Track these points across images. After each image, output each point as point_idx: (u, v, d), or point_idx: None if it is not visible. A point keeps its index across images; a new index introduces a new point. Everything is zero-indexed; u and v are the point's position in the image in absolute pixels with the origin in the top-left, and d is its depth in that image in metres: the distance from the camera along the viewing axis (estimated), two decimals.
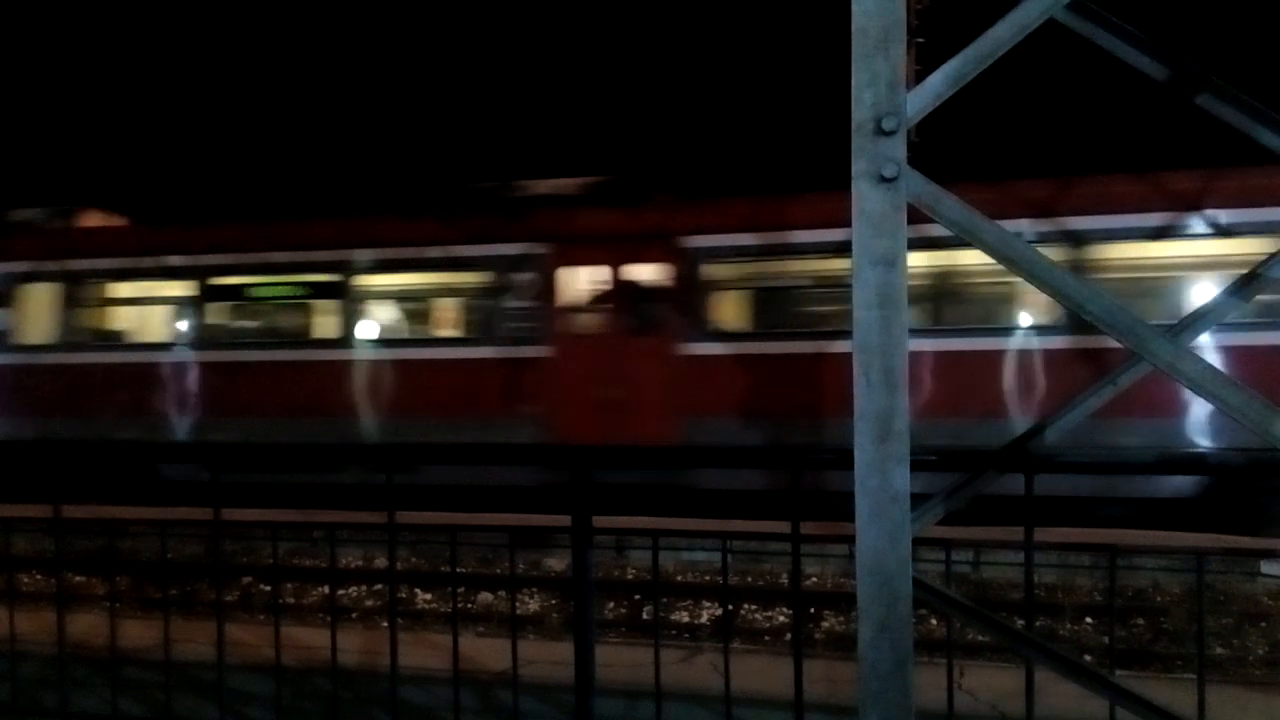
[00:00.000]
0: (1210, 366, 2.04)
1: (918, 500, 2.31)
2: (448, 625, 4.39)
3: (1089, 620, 7.79)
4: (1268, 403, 1.99)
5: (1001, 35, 2.03)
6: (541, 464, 9.21)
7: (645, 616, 8.13)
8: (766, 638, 7.67)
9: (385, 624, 6.60)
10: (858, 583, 2.16)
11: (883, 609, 2.13)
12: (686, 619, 8.17)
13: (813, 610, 8.08)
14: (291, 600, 8.69)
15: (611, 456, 4.59)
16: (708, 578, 8.95)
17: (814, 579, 8.95)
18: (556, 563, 9.41)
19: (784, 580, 8.85)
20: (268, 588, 8.68)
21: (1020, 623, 3.90)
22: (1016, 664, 3.95)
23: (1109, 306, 2.02)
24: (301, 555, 10.02)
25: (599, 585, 8.49)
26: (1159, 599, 8.14)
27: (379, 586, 8.90)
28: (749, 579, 9.00)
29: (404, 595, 8.61)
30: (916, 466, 2.18)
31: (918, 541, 2.32)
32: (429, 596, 8.78)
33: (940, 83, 2.09)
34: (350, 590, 9.00)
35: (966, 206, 2.07)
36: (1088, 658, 6.81)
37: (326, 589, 8.85)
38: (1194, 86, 2.63)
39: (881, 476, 2.14)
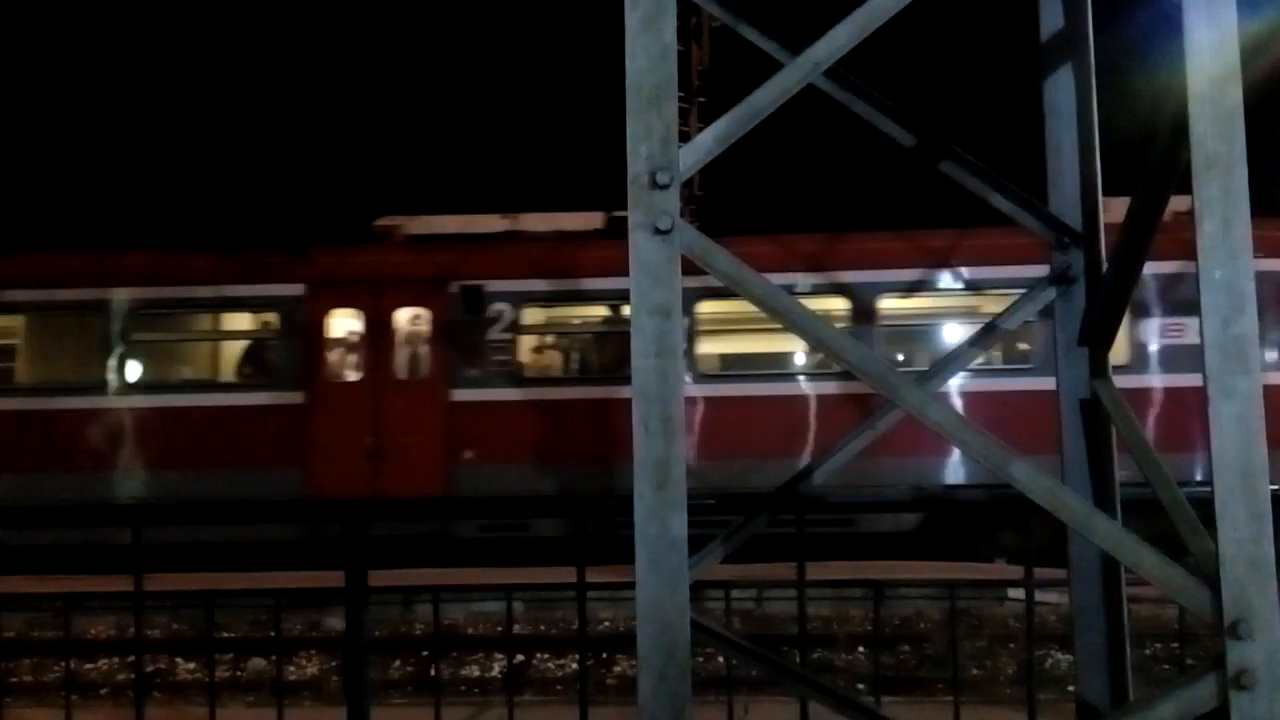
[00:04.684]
0: (954, 412, 2.20)
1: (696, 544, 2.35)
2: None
3: (861, 650, 8.22)
4: (1004, 446, 2.18)
5: (764, 99, 2.14)
6: (312, 520, 8.70)
7: (434, 673, 7.84)
8: (558, 687, 7.58)
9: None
10: (638, 631, 2.16)
11: (662, 657, 2.13)
12: (478, 673, 7.95)
13: (604, 655, 8.07)
14: (29, 679, 7.74)
15: (386, 509, 4.42)
16: (499, 629, 8.76)
17: (607, 623, 8.96)
18: (338, 622, 8.92)
19: (575, 627, 8.80)
20: None
21: (797, 656, 4.05)
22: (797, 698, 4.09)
23: (864, 355, 2.15)
24: (43, 627, 8.96)
25: (382, 643, 8.12)
26: (922, 625, 8.72)
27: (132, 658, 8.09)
28: (542, 627, 8.89)
29: (163, 666, 7.88)
30: (694, 510, 2.21)
31: (701, 583, 2.35)
32: (191, 666, 8.08)
33: (711, 140, 2.17)
34: (100, 664, 8.14)
35: (736, 260, 2.15)
36: (860, 685, 7.19)
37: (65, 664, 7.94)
38: (938, 153, 2.87)
39: (660, 523, 2.15)
